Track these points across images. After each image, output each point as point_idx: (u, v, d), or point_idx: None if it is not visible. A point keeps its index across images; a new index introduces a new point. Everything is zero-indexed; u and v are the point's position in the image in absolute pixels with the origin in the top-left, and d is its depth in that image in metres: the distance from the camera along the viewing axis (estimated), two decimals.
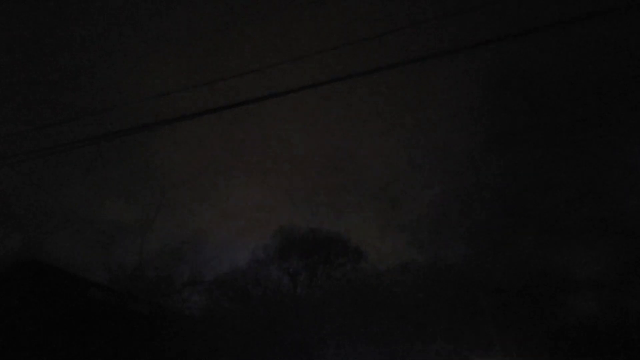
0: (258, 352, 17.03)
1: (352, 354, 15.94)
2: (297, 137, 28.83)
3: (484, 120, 19.56)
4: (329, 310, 18.84)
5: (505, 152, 19.20)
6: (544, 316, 16.63)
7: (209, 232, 24.84)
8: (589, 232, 16.43)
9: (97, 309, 11.77)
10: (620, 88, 17.00)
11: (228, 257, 21.54)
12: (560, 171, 18.02)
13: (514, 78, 19.28)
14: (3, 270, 11.44)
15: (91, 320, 11.22)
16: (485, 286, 16.29)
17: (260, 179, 27.61)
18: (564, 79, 18.76)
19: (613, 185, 16.91)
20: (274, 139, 29.46)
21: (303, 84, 6.13)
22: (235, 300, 19.76)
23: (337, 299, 19.83)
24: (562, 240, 16.80)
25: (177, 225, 22.89)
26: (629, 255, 15.57)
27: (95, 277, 14.20)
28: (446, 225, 19.49)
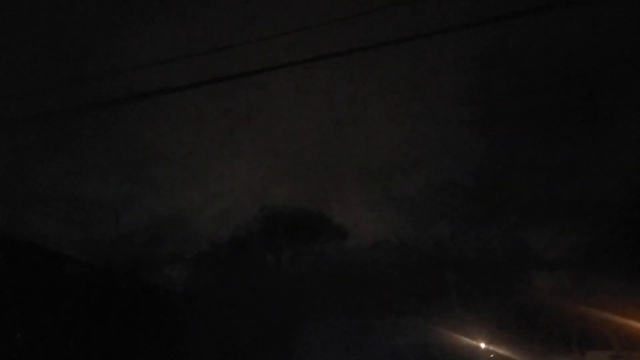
0: (239, 326, 17.84)
1: (328, 326, 16.83)
2: (291, 114, 28.47)
3: (469, 101, 19.66)
4: (309, 285, 19.63)
5: (486, 134, 19.46)
6: (511, 293, 17.56)
7: (192, 208, 25.01)
8: (559, 214, 17.06)
9: (75, 284, 11.96)
10: (602, 76, 17.12)
11: (211, 234, 21.91)
12: (537, 154, 18.41)
13: (500, 60, 19.22)
14: None
15: (68, 296, 11.44)
16: (456, 264, 17.05)
17: (249, 156, 27.51)
18: (548, 62, 18.76)
19: (585, 170, 17.39)
20: (267, 116, 29.09)
21: (303, 57, 6.00)
22: (217, 276, 20.39)
23: (318, 276, 20.59)
24: (533, 221, 17.48)
25: (158, 202, 22.78)
26: (594, 237, 16.30)
27: (72, 253, 14.38)
28: (426, 206, 20.01)
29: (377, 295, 17.06)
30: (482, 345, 17.41)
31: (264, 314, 18.19)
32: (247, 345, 17.61)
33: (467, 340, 16.63)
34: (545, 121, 17.98)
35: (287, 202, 24.89)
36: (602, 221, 16.08)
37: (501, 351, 17.03)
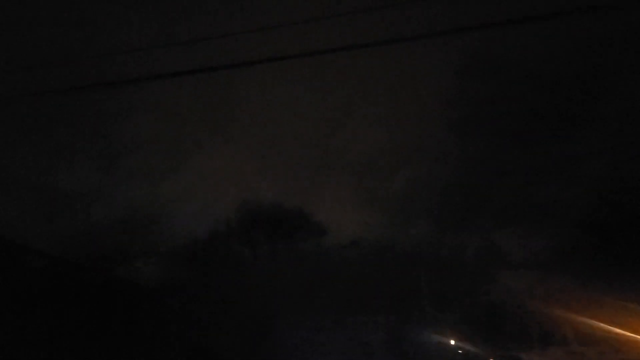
0: (213, 321, 17.70)
1: (303, 322, 16.94)
2: (278, 110, 28.17)
3: (450, 106, 20.17)
4: (286, 282, 19.65)
5: (464, 139, 20.03)
6: (480, 292, 18.24)
7: (170, 201, 24.31)
8: (527, 218, 17.82)
9: (40, 277, 11.55)
10: (573, 88, 17.94)
11: (187, 228, 21.38)
12: (511, 160, 19.12)
13: (479, 68, 19.79)
14: None
15: (33, 290, 11.05)
16: (430, 264, 17.52)
17: (233, 149, 27.07)
18: (524, 73, 19.47)
19: (553, 177, 18.22)
20: (253, 110, 28.66)
21: (290, 53, 5.87)
22: (193, 271, 20.08)
23: (295, 272, 20.64)
24: (504, 224, 18.21)
25: (133, 193, 21.82)
26: (558, 240, 17.15)
27: (39, 245, 13.69)
28: (405, 207, 20.45)
29: (353, 293, 17.32)
30: (452, 342, 18.06)
31: (240, 310, 18.12)
32: (221, 341, 17.52)
33: (437, 337, 17.20)
34: (520, 128, 18.72)
35: (267, 198, 24.73)
36: (566, 226, 16.96)
37: (469, 347, 17.73)
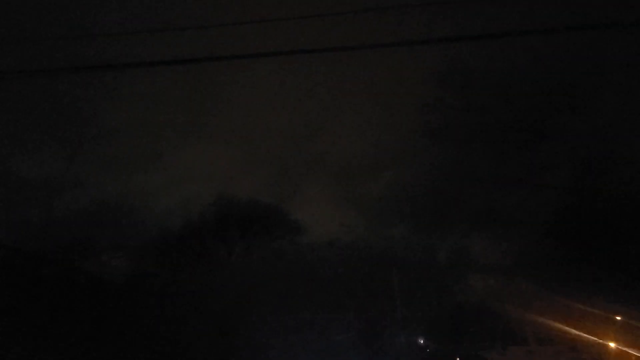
0: (183, 318, 17.30)
1: (273, 322, 16.89)
2: (259, 107, 27.78)
3: (427, 113, 20.63)
4: (258, 280, 19.50)
5: (439, 145, 20.59)
6: (449, 293, 18.89)
7: (141, 192, 23.31)
8: (495, 223, 18.59)
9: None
10: (543, 100, 18.82)
11: (159, 223, 20.70)
12: (482, 167, 19.83)
13: (455, 78, 20.35)
14: None
15: None
16: (401, 265, 17.94)
17: (213, 143, 26.47)
18: (499, 84, 20.21)
19: (520, 185, 19.07)
20: (234, 106, 28.11)
21: (276, 50, 5.89)
22: (163, 267, 19.50)
23: (268, 270, 20.53)
24: (474, 228, 18.92)
25: (103, 183, 20.53)
26: (522, 245, 18.02)
27: None
28: (381, 209, 20.81)
29: (326, 292, 17.45)
30: (421, 340, 18.63)
31: (211, 307, 17.82)
32: (191, 338, 17.17)
33: (406, 335, 17.68)
34: (492, 137, 19.47)
35: (245, 194, 24.42)
36: (531, 231, 17.86)
37: (436, 346, 18.36)
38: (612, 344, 14.71)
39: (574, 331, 15.30)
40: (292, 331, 16.08)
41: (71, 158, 16.36)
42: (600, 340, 15.08)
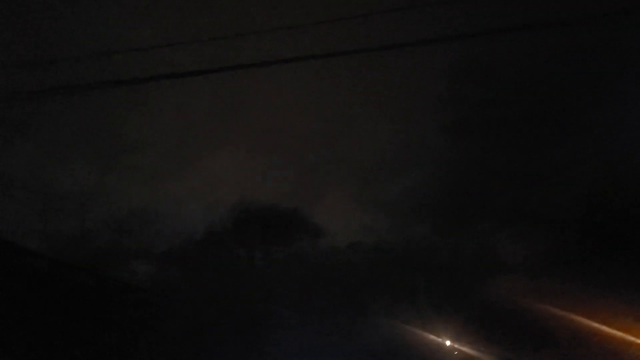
0: (209, 323, 17.50)
1: (298, 326, 16.89)
2: (280, 111, 28.16)
3: (447, 110, 20.38)
4: (282, 284, 19.57)
5: (461, 143, 20.27)
6: (476, 294, 18.47)
7: (167, 202, 24.04)
8: (519, 221, 18.12)
9: (35, 277, 11.40)
10: (566, 92, 18.34)
11: (182, 229, 21.18)
12: (502, 163, 19.43)
13: (473, 71, 20.06)
14: None
15: (29, 290, 10.89)
16: (425, 266, 17.66)
17: (234, 150, 26.99)
18: (517, 77, 19.82)
19: (547, 180, 18.58)
20: (254, 112, 28.61)
21: (299, 55, 5.99)
22: (188, 272, 19.87)
23: (291, 274, 20.57)
24: (500, 227, 18.48)
25: (130, 194, 21.56)
26: (552, 243, 17.48)
27: (32, 245, 13.40)
28: (403, 210, 20.59)
29: (350, 296, 17.35)
30: (448, 343, 18.24)
31: (234, 313, 17.97)
32: (216, 345, 17.34)
33: (433, 338, 17.35)
34: (513, 133, 19.05)
35: (266, 199, 24.68)
36: (560, 228, 17.31)
37: (465, 349, 17.93)
38: None
39: (612, 331, 14.66)
40: (318, 335, 16.02)
41: (102, 171, 17.20)
42: None
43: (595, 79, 17.98)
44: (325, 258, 20.41)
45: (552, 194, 17.87)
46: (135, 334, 14.00)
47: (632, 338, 14.38)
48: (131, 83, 6.67)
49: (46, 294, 10.88)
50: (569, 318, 15.49)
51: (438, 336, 17.52)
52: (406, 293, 16.75)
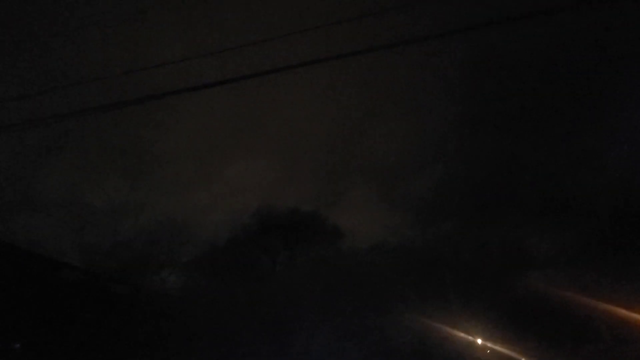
0: (236, 328, 17.64)
1: (326, 329, 16.75)
2: (299, 117, 28.50)
3: (467, 104, 19.92)
4: (305, 287, 19.51)
5: (483, 136, 19.74)
6: (506, 290, 17.83)
7: (190, 211, 24.70)
8: (549, 213, 17.40)
9: (72, 289, 11.81)
10: (587, 78, 17.56)
11: (206, 238, 21.71)
12: (527, 153, 18.75)
13: (494, 63, 19.54)
14: None
15: (65, 301, 11.29)
16: (451, 264, 17.20)
17: (256, 158, 27.47)
18: (536, 66, 19.15)
19: (575, 168, 17.80)
20: (275, 119, 29.03)
21: (313, 58, 5.98)
22: (213, 279, 20.15)
23: (314, 277, 20.49)
24: (525, 220, 17.80)
25: (154, 206, 22.51)
26: (585, 232, 16.68)
27: (69, 259, 14.03)
28: (426, 208, 20.21)
29: (376, 297, 17.08)
30: (479, 341, 17.66)
31: (261, 317, 18.03)
32: (244, 348, 17.44)
33: (464, 336, 16.84)
34: (537, 121, 18.37)
35: (286, 204, 24.92)
36: (593, 217, 16.51)
37: (497, 347, 17.31)
38: None
39: None
40: (345, 337, 15.84)
41: (131, 185, 17.95)
42: None
43: (625, 60, 17.11)
44: (347, 259, 20.23)
45: (582, 181, 17.08)
46: (165, 340, 14.26)
47: None
48: (153, 99, 6.83)
49: (83, 304, 11.25)
50: (609, 311, 14.67)
51: (469, 334, 16.98)
52: (434, 291, 16.33)
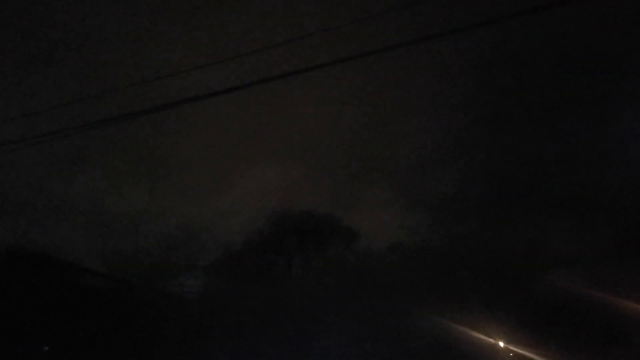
0: (254, 331, 17.74)
1: (343, 330, 16.65)
2: (316, 119, 28.68)
3: (483, 101, 19.53)
4: (322, 289, 19.46)
5: (501, 133, 19.30)
6: (528, 291, 17.30)
7: (205, 216, 25.14)
8: (571, 210, 16.82)
9: (93, 294, 12.12)
10: (606, 67, 16.94)
11: (223, 242, 21.97)
12: (546, 149, 18.21)
13: (506, 58, 19.12)
14: None
15: (87, 306, 11.58)
16: (470, 264, 16.82)
17: (268, 163, 27.76)
18: (552, 58, 18.61)
19: (599, 161, 17.16)
20: (292, 122, 29.31)
21: (332, 59, 5.89)
22: (231, 283, 20.33)
23: (330, 279, 20.42)
24: (547, 217, 17.24)
25: (173, 212, 23.13)
26: (610, 229, 16.02)
27: (91, 264, 14.49)
28: (444, 207, 19.88)
29: (395, 298, 16.87)
30: (501, 344, 17.18)
31: (278, 319, 18.06)
32: (262, 350, 17.51)
33: (484, 339, 16.41)
34: (555, 116, 17.82)
35: (302, 206, 25.03)
36: (617, 214, 15.84)
37: (520, 350, 16.78)
38: None
39: None
40: (365, 339, 15.70)
41: (151, 191, 18.49)
42: None
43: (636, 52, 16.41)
44: (363, 261, 20.07)
45: (606, 178, 16.44)
46: (186, 343, 14.47)
47: None
48: (170, 107, 6.97)
49: (106, 308, 11.56)
50: (639, 312, 14.00)
51: (490, 337, 16.54)
52: (453, 292, 16.00)
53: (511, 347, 17.09)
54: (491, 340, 16.59)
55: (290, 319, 17.99)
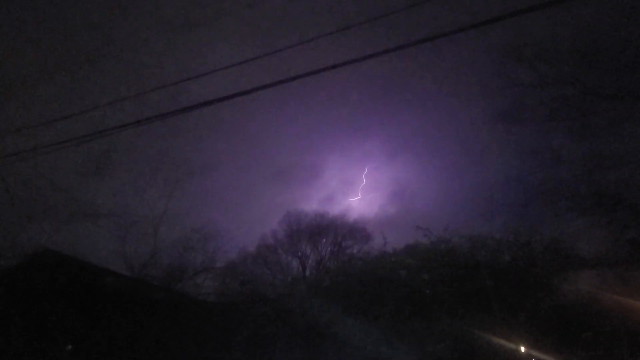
0: (269, 333, 17.67)
1: (358, 333, 16.40)
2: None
3: (497, 96, 18.91)
4: (336, 291, 19.27)
5: (516, 128, 18.66)
6: (550, 293, 16.72)
7: (221, 218, 25.38)
8: (596, 208, 16.14)
9: (113, 295, 12.29)
10: (630, 59, 16.18)
11: (238, 244, 22.25)
12: (568, 145, 17.51)
13: (525, 50, 18.48)
14: (19, 261, 11.96)
15: (107, 307, 11.74)
16: (491, 265, 16.36)
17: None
18: (574, 50, 17.92)
19: (622, 159, 16.43)
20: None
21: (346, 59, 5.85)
22: (246, 285, 20.44)
23: (345, 281, 20.22)
24: (570, 217, 16.58)
25: (189, 215, 23.67)
26: (634, 230, 15.33)
27: (111, 266, 14.81)
28: (460, 207, 19.40)
29: (410, 300, 16.54)
30: (522, 349, 16.62)
31: (293, 321, 17.96)
32: (278, 352, 17.42)
33: (505, 343, 15.91)
34: (578, 109, 17.11)
35: (314, 207, 25.04)
36: None
37: (543, 356, 16.21)
38: None
39: None
40: (381, 342, 15.41)
41: (170, 195, 18.89)
42: None
43: None
44: (376, 262, 19.79)
45: (630, 174, 15.70)
46: (202, 345, 14.50)
47: None
48: (187, 110, 6.95)
49: (126, 309, 11.68)
50: None
51: (511, 341, 16.02)
52: (473, 295, 15.56)
53: (533, 353, 16.51)
54: (512, 345, 16.07)
55: (304, 322, 17.85)
